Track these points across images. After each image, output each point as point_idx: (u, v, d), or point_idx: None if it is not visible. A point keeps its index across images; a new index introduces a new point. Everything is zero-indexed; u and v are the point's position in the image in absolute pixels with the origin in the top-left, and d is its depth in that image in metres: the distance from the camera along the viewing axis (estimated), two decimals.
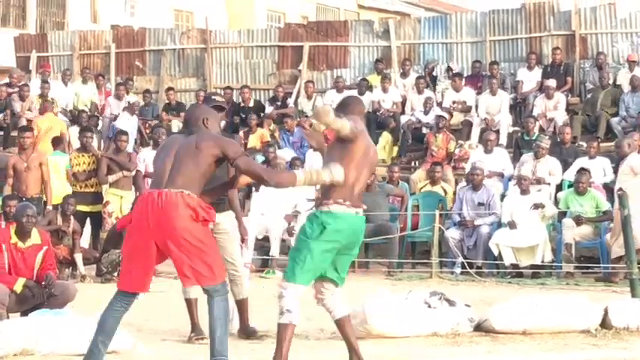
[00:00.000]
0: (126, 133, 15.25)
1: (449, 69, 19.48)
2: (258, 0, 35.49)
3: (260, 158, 17.12)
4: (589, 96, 18.17)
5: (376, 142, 18.34)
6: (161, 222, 6.52)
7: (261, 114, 19.44)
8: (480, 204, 14.39)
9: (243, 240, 8.82)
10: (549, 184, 15.06)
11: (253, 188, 15.56)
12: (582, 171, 14.18)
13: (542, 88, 18.28)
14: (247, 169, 6.77)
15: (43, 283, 8.96)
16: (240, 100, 19.89)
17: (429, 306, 8.81)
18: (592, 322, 8.78)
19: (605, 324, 8.82)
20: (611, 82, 18.06)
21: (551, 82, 18.00)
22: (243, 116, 19.07)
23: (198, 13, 32.37)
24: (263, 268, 14.07)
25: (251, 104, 19.64)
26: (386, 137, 18.36)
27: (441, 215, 14.28)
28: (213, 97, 9.14)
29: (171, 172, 6.70)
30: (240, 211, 9.01)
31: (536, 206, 13.82)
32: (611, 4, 19.39)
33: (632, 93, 17.37)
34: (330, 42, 21.28)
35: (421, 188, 15.44)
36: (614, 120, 17.22)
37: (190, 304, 8.66)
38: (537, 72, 18.87)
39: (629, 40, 19.11)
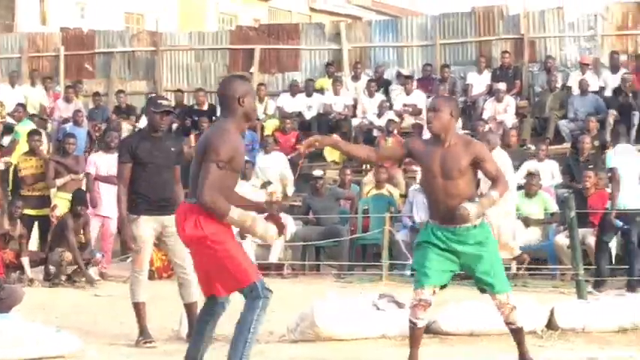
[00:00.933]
0: (74, 136, 15.14)
1: (399, 74, 19.57)
2: (209, 3, 35.43)
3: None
4: (537, 99, 18.34)
5: None
6: (179, 234, 6.44)
7: (213, 117, 19.40)
8: None
9: None
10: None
11: None
12: (532, 174, 14.32)
13: (491, 92, 18.41)
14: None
15: None
16: (194, 103, 19.84)
17: (378, 308, 8.83)
18: (538, 323, 8.84)
19: (551, 325, 8.89)
20: (559, 85, 18.23)
21: (501, 86, 18.15)
22: (196, 119, 18.94)
23: (148, 15, 32.26)
24: None
25: (205, 107, 19.53)
26: None
27: (391, 218, 14.30)
28: (159, 100, 9.01)
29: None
30: None
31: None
32: (559, 8, 19.61)
33: (580, 96, 17.54)
34: (281, 45, 21.28)
35: (368, 192, 15.43)
36: (563, 122, 17.39)
37: (138, 307, 8.62)
38: (487, 75, 19.00)
39: (576, 43, 19.32)
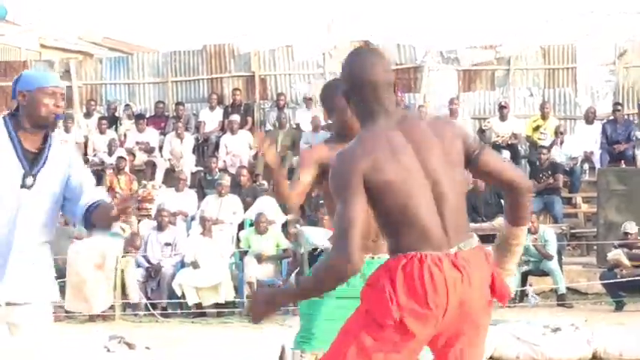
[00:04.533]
0: None
1: (127, 106, 19.46)
2: None
3: None
4: (268, 136, 18.60)
5: None
6: None
7: None
8: (167, 244, 14.41)
9: None
10: (232, 223, 15.27)
11: None
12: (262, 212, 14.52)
13: (223, 128, 18.54)
14: None
15: None
16: None
17: (108, 350, 8.71)
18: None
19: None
20: (291, 122, 18.61)
21: (235, 117, 18.29)
22: None
23: None
24: None
25: None
26: None
27: (124, 256, 14.13)
28: None
29: None
30: None
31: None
32: (289, 46, 20.00)
33: (312, 132, 17.85)
34: (9, 82, 20.68)
35: None
36: (296, 159, 17.71)
37: None
38: (219, 112, 19.12)
39: (306, 80, 19.76)
